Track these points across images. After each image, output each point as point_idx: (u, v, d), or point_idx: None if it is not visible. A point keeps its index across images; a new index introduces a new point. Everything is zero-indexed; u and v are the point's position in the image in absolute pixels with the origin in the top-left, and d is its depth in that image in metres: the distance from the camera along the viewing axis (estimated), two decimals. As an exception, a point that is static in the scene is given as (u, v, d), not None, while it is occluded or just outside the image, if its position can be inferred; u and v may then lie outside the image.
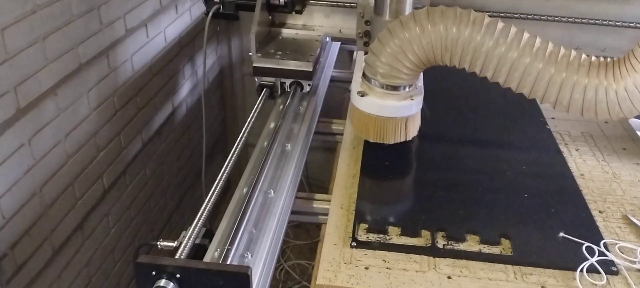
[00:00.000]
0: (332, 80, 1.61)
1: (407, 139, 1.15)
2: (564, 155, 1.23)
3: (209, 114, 2.11)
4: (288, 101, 1.22)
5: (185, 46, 1.79)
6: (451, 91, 1.46)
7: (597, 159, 1.23)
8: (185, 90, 1.84)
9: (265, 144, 1.06)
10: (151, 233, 1.71)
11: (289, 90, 1.27)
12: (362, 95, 1.12)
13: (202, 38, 1.88)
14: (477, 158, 1.22)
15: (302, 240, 2.25)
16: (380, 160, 1.13)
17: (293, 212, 1.07)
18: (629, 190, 1.13)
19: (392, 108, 1.11)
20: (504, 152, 1.23)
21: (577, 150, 1.26)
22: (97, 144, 1.35)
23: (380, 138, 1.13)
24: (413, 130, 1.16)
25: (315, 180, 2.37)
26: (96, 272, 1.40)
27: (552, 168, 1.18)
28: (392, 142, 1.13)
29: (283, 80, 1.27)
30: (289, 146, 1.09)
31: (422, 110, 1.17)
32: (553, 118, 1.36)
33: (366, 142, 1.19)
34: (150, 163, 1.65)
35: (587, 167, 1.20)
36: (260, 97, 1.22)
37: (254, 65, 1.28)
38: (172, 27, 1.69)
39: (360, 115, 1.14)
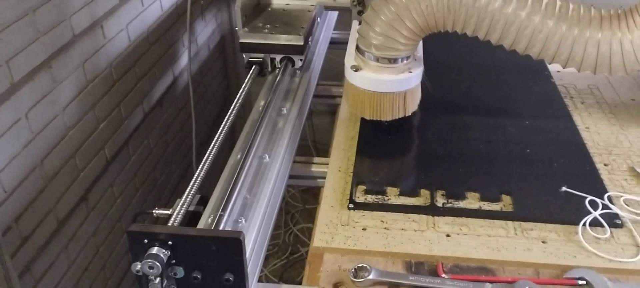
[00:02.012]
0: (333, 42, 1.58)
1: (407, 115, 1.08)
2: (569, 109, 1.20)
3: (211, 83, 2.09)
4: (278, 79, 1.15)
5: (183, 13, 1.76)
6: (450, 56, 1.41)
7: (603, 111, 1.20)
8: (185, 58, 1.82)
9: (260, 107, 1.04)
10: (158, 202, 1.72)
11: (279, 66, 1.20)
12: (356, 70, 1.05)
13: (200, 4, 1.86)
14: (478, 116, 1.19)
15: (310, 204, 2.26)
16: (379, 122, 1.11)
17: (292, 176, 1.06)
18: (636, 141, 1.10)
19: (388, 83, 1.03)
20: (506, 108, 1.21)
21: (582, 102, 1.23)
22: (96, 116, 1.34)
23: (377, 115, 1.06)
24: (413, 105, 1.09)
25: (323, 145, 2.36)
26: (103, 241, 1.42)
27: (556, 123, 1.15)
28: (389, 118, 1.07)
29: (273, 56, 1.20)
30: (285, 110, 1.08)
31: (423, 83, 1.10)
32: (558, 71, 1.32)
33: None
34: (153, 133, 1.65)
35: (592, 119, 1.17)
36: (249, 75, 1.15)
37: (241, 41, 1.20)
38: (168, -6, 1.66)
39: (354, 91, 1.07)
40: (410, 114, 1.09)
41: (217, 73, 2.16)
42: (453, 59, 1.40)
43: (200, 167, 0.83)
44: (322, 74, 1.43)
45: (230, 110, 1.01)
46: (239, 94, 1.06)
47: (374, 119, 1.08)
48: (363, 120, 1.13)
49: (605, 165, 1.03)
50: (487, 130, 1.12)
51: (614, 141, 1.10)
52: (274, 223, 0.88)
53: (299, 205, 2.28)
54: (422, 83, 1.10)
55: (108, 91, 1.39)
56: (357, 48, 1.07)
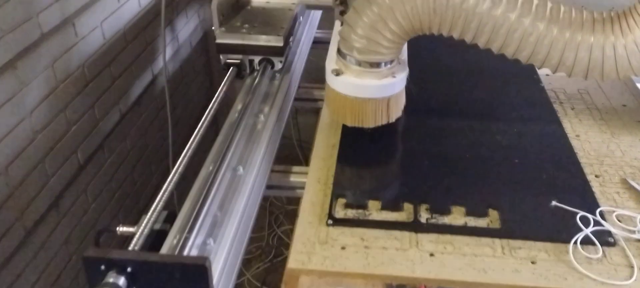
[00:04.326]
0: (316, 42, 1.53)
1: (390, 121, 1.03)
2: (559, 115, 1.15)
3: (194, 81, 2.03)
4: (256, 81, 1.10)
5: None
6: (435, 60, 1.35)
7: (594, 118, 1.15)
8: (165, 56, 1.75)
9: (237, 113, 0.99)
10: (136, 207, 1.66)
11: (258, 68, 1.14)
12: (337, 74, 1.00)
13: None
14: (465, 123, 1.13)
15: (295, 205, 2.21)
16: (361, 129, 1.05)
17: (269, 187, 1.01)
18: (628, 150, 1.06)
19: (371, 88, 0.98)
20: (494, 114, 1.16)
21: (572, 108, 1.18)
22: (67, 118, 1.28)
23: (359, 121, 1.01)
24: (396, 111, 1.03)
25: (309, 144, 2.31)
26: (76, 249, 1.36)
27: (546, 130, 1.11)
28: (372, 125, 1.01)
29: (251, 57, 1.15)
30: (262, 115, 1.02)
31: (407, 87, 1.04)
32: (547, 75, 1.28)
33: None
34: (130, 135, 1.59)
35: (583, 127, 1.12)
36: (226, 77, 1.09)
37: (217, 41, 1.14)
38: (147, -11, 1.60)
39: (335, 96, 1.02)
40: (393, 120, 1.04)
41: (200, 71, 2.10)
42: (439, 63, 1.35)
43: (167, 183, 0.78)
44: (305, 76, 1.37)
45: (204, 117, 0.95)
46: (214, 98, 1.01)
47: (356, 125, 1.03)
48: (345, 127, 1.07)
49: (596, 176, 0.99)
50: (473, 139, 1.08)
51: (605, 150, 1.06)
52: (247, 243, 0.83)
53: (284, 206, 2.23)
54: (407, 87, 1.05)
55: (80, 92, 1.32)
56: (339, 51, 1.02)
